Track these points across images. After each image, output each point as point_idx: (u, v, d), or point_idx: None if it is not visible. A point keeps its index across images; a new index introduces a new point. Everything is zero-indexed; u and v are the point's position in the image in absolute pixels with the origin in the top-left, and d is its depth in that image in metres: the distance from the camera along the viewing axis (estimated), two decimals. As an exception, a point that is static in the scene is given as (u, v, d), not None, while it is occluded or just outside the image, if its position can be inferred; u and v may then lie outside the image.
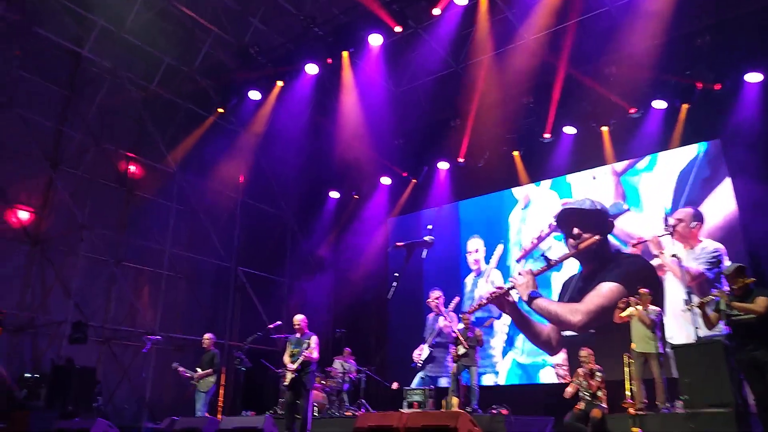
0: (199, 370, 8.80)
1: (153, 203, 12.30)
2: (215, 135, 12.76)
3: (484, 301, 11.11)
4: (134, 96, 11.87)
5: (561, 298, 10.85)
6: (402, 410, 9.21)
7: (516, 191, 12.09)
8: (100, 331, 11.01)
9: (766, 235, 8.50)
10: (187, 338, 11.98)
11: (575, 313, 10.36)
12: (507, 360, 11.27)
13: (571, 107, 10.84)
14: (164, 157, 12.18)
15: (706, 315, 5.28)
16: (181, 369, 8.84)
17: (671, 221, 9.22)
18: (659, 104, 10.11)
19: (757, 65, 9.07)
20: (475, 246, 12.40)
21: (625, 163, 10.77)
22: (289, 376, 7.30)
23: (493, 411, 8.17)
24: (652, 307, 7.77)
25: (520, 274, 11.04)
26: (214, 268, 13.28)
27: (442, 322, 11.28)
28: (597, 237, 10.28)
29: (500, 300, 10.98)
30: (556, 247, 11.21)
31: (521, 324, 11.13)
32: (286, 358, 7.49)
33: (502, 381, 11.21)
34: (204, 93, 12.76)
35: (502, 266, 11.85)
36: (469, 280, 12.30)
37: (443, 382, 11.26)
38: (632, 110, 10.20)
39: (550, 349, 10.72)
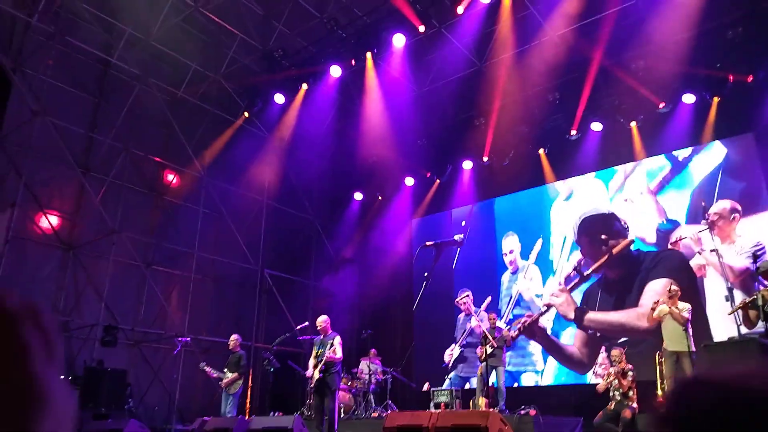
0: (226, 370, 8.88)
1: (181, 207, 12.48)
2: (241, 139, 12.91)
3: (516, 333, 10.91)
4: (162, 102, 12.08)
5: (588, 307, 10.66)
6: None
7: (558, 183, 11.89)
8: (130, 333, 11.19)
9: None
10: (215, 340, 12.11)
11: (642, 317, 9.47)
12: (553, 360, 11.05)
13: (598, 103, 10.71)
14: (191, 161, 12.36)
15: (747, 315, 5.10)
16: (208, 369, 8.94)
17: (709, 216, 9.00)
18: (689, 98, 9.91)
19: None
20: (509, 246, 12.24)
21: (658, 180, 10.50)
22: (314, 377, 7.34)
23: (522, 411, 8.06)
24: (682, 304, 7.61)
25: (554, 295, 10.81)
26: (240, 270, 13.41)
27: (474, 322, 11.22)
28: (631, 239, 10.09)
29: (531, 329, 10.77)
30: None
31: (551, 349, 10.95)
32: (312, 360, 7.54)
33: (548, 381, 10.99)
34: (230, 97, 12.93)
35: (542, 261, 11.64)
36: (505, 278, 12.16)
37: (475, 382, 11.18)
38: (661, 104, 10.00)
39: (582, 368, 10.52)
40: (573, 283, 10.59)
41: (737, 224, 9.28)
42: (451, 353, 11.68)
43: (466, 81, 11.89)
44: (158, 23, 11.04)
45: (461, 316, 11.87)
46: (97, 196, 10.79)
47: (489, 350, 8.67)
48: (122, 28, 11.02)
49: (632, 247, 10.31)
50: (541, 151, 11.77)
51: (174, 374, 10.61)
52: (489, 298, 11.66)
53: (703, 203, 8.77)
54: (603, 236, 10.58)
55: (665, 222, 10.26)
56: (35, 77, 10.34)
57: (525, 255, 11.91)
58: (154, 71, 11.93)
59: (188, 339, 10.01)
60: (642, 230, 10.40)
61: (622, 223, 10.54)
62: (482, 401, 8.48)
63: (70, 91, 11.02)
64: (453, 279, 12.48)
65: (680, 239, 9.12)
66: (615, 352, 7.59)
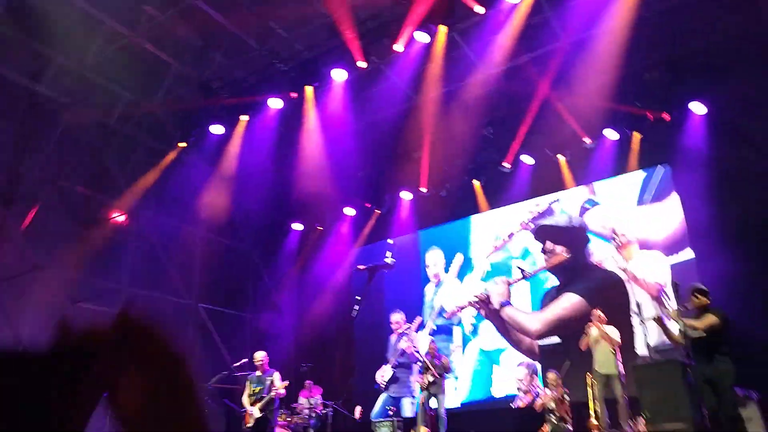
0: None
1: (111, 241, 11.98)
2: (176, 170, 12.60)
3: (467, 304, 11.51)
4: (93, 133, 11.68)
5: (541, 308, 11.18)
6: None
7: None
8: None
9: (709, 251, 9.04)
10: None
11: (534, 321, 10.77)
12: (472, 349, 11.50)
13: (528, 138, 11.27)
14: (123, 193, 11.96)
15: (667, 330, 5.38)
16: None
17: (617, 237, 9.68)
18: (612, 134, 10.63)
19: (702, 97, 9.72)
20: (433, 259, 12.74)
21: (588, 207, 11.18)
22: (255, 415, 7.15)
23: (462, 439, 8.15)
24: (608, 327, 8.03)
25: (495, 283, 11.48)
26: (173, 305, 12.94)
27: (404, 343, 11.39)
28: (564, 255, 10.72)
29: (482, 306, 11.48)
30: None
31: (503, 331, 11.34)
32: (246, 399, 7.32)
33: (465, 376, 11.42)
34: (164, 128, 12.67)
35: (462, 275, 12.15)
36: (428, 289, 12.58)
37: (406, 402, 11.42)
38: (587, 139, 10.66)
39: (534, 356, 10.88)
40: (514, 279, 11.27)
41: (636, 246, 10.16)
42: (383, 375, 11.76)
43: (404, 114, 12.20)
44: (91, 51, 10.76)
45: (393, 336, 12.07)
46: (19, 230, 10.23)
47: (430, 378, 8.76)
48: (51, 56, 10.66)
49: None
50: (475, 182, 12.21)
51: (104, 418, 10.04)
52: (418, 318, 11.99)
53: (612, 227, 9.34)
54: (549, 245, 11.19)
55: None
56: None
57: (447, 269, 12.44)
58: (85, 101, 11.53)
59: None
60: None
61: (582, 235, 10.99)
62: (424, 430, 8.52)
63: (-9, 120, 10.49)
64: (384, 301, 12.78)
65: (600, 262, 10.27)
66: (551, 375, 7.84)
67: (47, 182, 10.96)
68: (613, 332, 7.94)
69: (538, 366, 10.54)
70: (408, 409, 11.39)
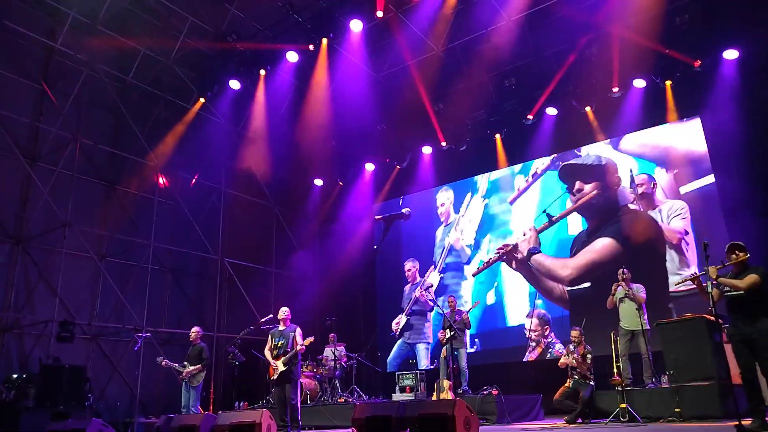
0: (186, 363, 8.71)
1: (135, 197, 12.14)
2: (196, 126, 12.57)
3: (494, 258, 11.56)
4: (111, 89, 11.64)
5: (570, 254, 10.98)
6: (394, 395, 9.34)
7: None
8: (87, 328, 10.91)
9: (737, 199, 8.97)
10: (175, 332, 11.94)
11: (565, 267, 10.68)
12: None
13: (553, 88, 10.89)
14: (145, 150, 12.01)
15: (704, 290, 5.21)
16: (165, 363, 8.73)
17: (636, 187, 9.53)
18: (640, 83, 10.21)
19: (734, 43, 9.25)
20: (441, 200, 12.81)
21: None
22: (279, 369, 7.30)
23: (484, 392, 8.29)
24: (635, 285, 7.96)
25: (524, 233, 11.43)
26: (199, 260, 13.19)
27: (418, 291, 11.60)
28: (594, 191, 10.63)
29: (509, 257, 11.45)
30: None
31: (532, 280, 11.29)
32: (267, 352, 7.49)
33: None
34: (183, 83, 12.56)
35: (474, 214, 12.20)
36: (439, 231, 12.69)
37: (421, 348, 11.85)
38: (614, 89, 10.28)
39: (566, 304, 10.81)
40: (542, 226, 11.24)
41: (657, 191, 10.01)
42: (398, 322, 12.03)
43: (424, 65, 11.85)
44: (104, 6, 10.59)
45: (407, 287, 12.33)
46: (46, 188, 10.39)
47: (450, 333, 8.83)
48: (66, 12, 10.51)
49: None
50: (497, 136, 11.95)
51: (134, 369, 10.43)
52: (432, 268, 12.14)
53: (631, 171, 9.10)
54: (578, 184, 10.99)
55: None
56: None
57: (456, 209, 12.46)
58: (102, 57, 11.44)
59: (148, 334, 9.82)
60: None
61: (612, 174, 10.70)
62: (446, 383, 8.68)
63: (12, 78, 10.49)
64: (401, 251, 12.95)
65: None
66: (574, 333, 7.83)
67: (69, 140, 11.03)
68: (638, 290, 7.89)
69: (550, 316, 10.69)
70: (423, 354, 11.70)
